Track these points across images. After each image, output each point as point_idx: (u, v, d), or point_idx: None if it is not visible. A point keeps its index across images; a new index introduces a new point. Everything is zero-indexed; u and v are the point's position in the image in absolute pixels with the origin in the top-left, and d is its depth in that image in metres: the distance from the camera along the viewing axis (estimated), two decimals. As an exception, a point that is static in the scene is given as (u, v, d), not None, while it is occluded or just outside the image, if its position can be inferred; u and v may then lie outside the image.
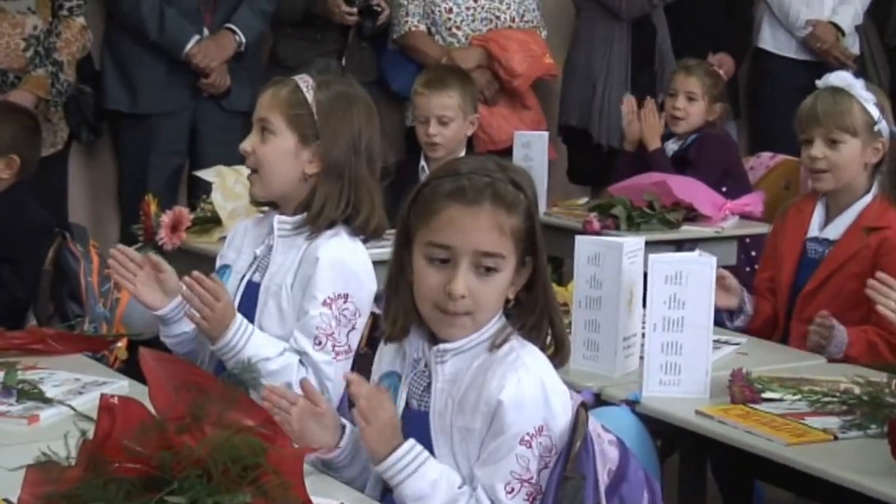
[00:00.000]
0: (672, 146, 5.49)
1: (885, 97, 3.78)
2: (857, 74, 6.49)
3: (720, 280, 3.61)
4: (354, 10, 5.81)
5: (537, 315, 2.37)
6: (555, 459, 2.29)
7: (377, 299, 3.00)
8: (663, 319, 2.96)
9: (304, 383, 2.52)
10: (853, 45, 6.82)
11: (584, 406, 2.33)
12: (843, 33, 6.74)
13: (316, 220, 3.04)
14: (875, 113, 3.68)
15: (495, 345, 2.35)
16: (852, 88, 3.70)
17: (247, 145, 3.09)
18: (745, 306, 3.69)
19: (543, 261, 2.37)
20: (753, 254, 5.00)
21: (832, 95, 3.69)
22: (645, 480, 2.40)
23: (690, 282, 2.95)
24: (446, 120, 4.81)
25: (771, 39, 6.83)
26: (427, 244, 2.33)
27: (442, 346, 2.38)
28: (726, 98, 5.59)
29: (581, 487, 2.25)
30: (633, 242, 3.16)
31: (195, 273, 3.00)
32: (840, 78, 3.74)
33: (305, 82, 3.08)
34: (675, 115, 5.45)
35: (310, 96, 3.05)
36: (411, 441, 2.34)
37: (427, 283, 2.33)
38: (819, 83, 3.76)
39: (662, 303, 2.95)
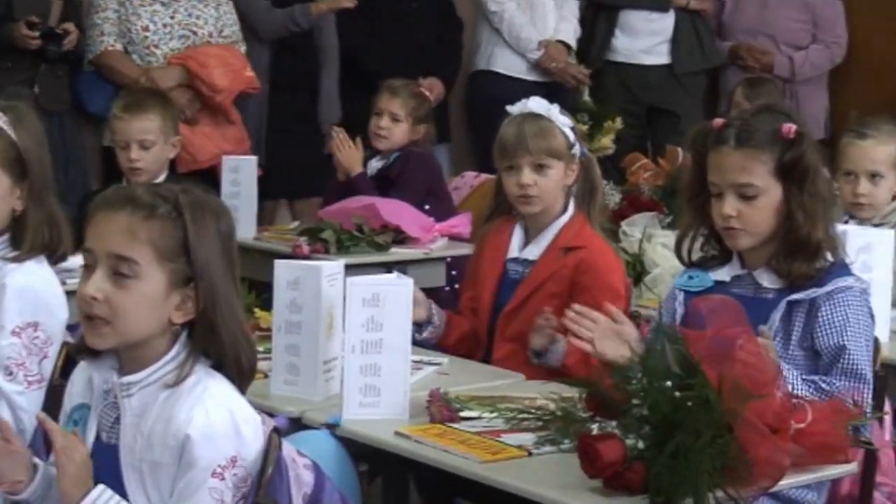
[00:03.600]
0: (376, 164, 5.53)
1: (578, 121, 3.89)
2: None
3: None
4: (36, 34, 5.62)
5: (219, 342, 2.34)
6: (251, 488, 2.29)
7: (71, 329, 2.94)
8: (361, 342, 2.97)
9: None
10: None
11: (277, 431, 2.32)
12: (571, 49, 6.94)
13: (21, 245, 2.96)
14: (571, 136, 3.78)
15: (181, 377, 2.32)
16: (551, 114, 3.77)
17: None
18: (433, 318, 3.71)
19: (218, 286, 2.33)
20: (454, 273, 5.08)
21: (537, 122, 3.74)
22: (341, 503, 2.42)
23: (388, 304, 2.97)
24: (147, 144, 4.76)
25: (501, 61, 6.94)
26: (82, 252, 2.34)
27: (126, 378, 2.34)
28: (432, 120, 5.65)
29: (273, 513, 2.25)
30: (332, 266, 3.17)
31: None
32: (539, 104, 3.80)
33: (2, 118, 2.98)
34: (379, 133, 5.50)
35: (12, 134, 2.96)
36: (101, 486, 2.31)
37: (78, 290, 2.32)
38: (513, 109, 3.81)
39: (360, 325, 2.97)
